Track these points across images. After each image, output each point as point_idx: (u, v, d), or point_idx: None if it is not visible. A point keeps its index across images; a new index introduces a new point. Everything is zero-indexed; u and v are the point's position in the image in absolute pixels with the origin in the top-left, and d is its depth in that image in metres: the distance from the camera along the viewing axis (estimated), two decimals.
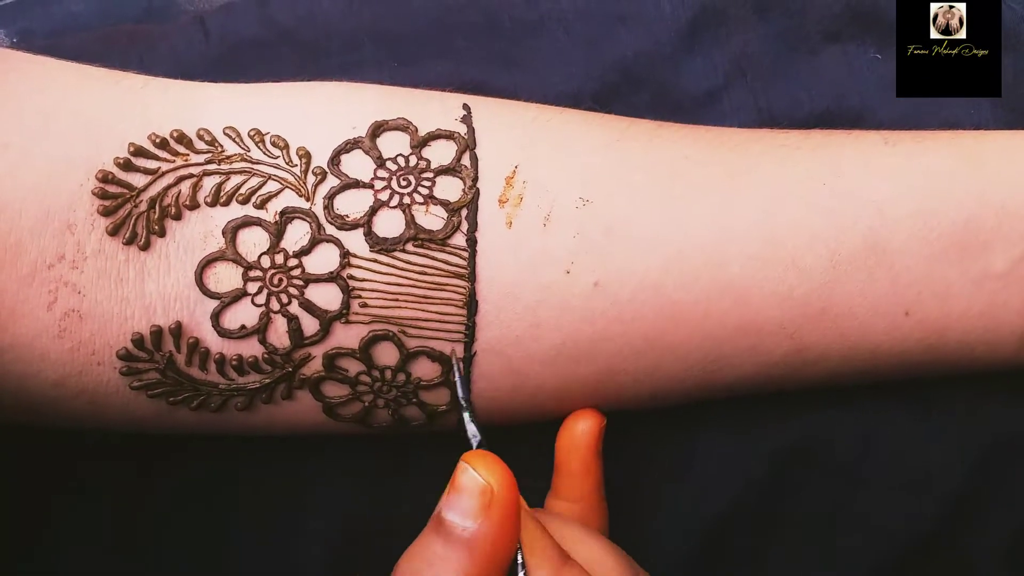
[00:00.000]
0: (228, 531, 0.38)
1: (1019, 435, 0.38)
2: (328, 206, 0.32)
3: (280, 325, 0.32)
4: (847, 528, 0.38)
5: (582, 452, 0.35)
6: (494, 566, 0.29)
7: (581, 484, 0.35)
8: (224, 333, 0.32)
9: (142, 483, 0.38)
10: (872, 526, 0.38)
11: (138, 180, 0.32)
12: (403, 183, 0.33)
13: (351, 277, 0.32)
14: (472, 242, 0.32)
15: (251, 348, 0.32)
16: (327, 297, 0.32)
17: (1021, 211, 0.34)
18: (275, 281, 0.32)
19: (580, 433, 0.35)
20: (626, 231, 0.33)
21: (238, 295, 0.32)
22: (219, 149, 0.33)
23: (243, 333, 0.32)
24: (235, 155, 0.33)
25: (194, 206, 0.32)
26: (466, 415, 0.32)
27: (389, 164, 0.33)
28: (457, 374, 0.33)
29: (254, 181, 0.32)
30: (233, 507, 0.38)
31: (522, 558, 0.29)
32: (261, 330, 0.32)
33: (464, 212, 0.33)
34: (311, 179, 0.32)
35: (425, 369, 0.33)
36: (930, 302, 0.35)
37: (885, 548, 0.38)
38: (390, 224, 0.32)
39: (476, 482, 0.29)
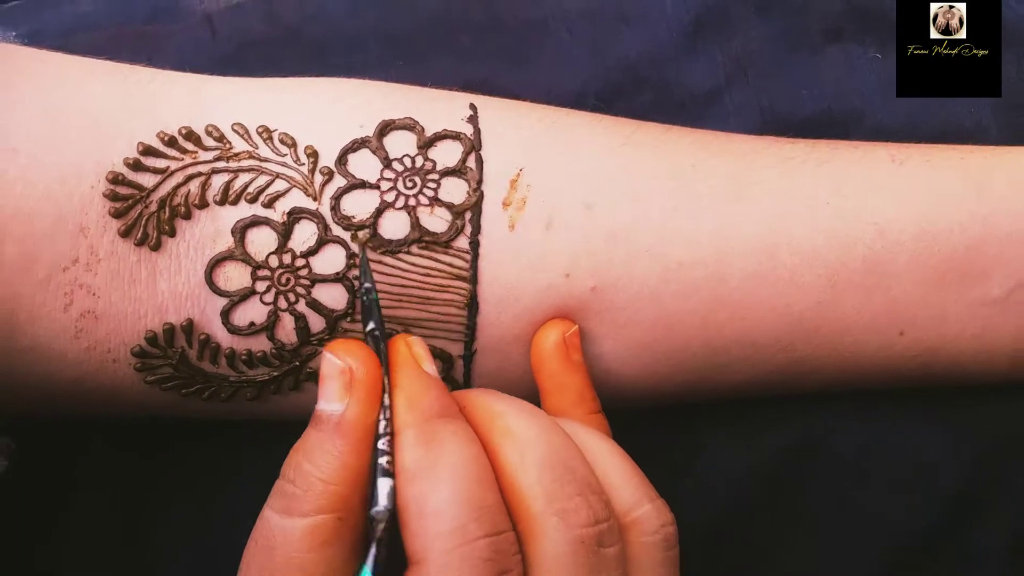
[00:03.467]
0: (232, 519, 0.39)
1: (1021, 434, 0.39)
2: (335, 207, 0.33)
3: (288, 323, 0.33)
4: (850, 525, 0.39)
5: (550, 366, 0.33)
6: (368, 444, 0.28)
7: (557, 400, 0.34)
8: (234, 330, 0.33)
9: (146, 474, 0.39)
10: (874, 523, 0.39)
11: (148, 180, 0.32)
12: (409, 184, 0.33)
13: (356, 278, 0.33)
14: (475, 245, 0.33)
15: (260, 344, 0.33)
16: (334, 296, 0.33)
17: (1022, 239, 0.35)
18: (283, 280, 0.33)
19: (545, 346, 0.33)
20: (627, 239, 0.34)
21: (247, 294, 0.33)
22: (227, 146, 0.33)
23: (252, 330, 0.33)
24: (243, 152, 0.33)
25: (203, 205, 0.33)
26: (365, 299, 0.31)
27: (396, 164, 0.33)
28: (363, 256, 0.32)
29: (262, 179, 0.33)
30: (237, 495, 0.39)
31: (385, 410, 0.29)
32: (269, 327, 0.33)
33: (468, 215, 0.33)
34: (318, 178, 0.33)
35: None
36: (925, 324, 0.35)
37: (887, 545, 0.38)
38: (395, 226, 0.33)
39: (335, 365, 0.29)
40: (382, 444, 0.28)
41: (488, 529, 0.27)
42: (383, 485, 0.28)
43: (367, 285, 0.31)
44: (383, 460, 0.28)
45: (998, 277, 0.35)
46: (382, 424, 0.29)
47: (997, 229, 0.35)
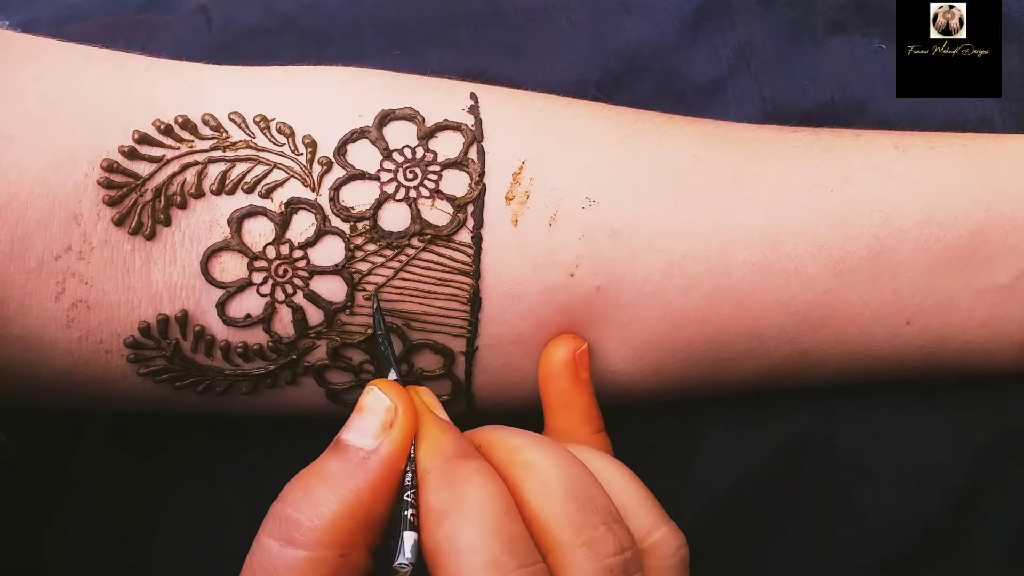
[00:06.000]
0: (230, 516, 0.39)
1: (1023, 429, 0.38)
2: (334, 198, 0.32)
3: (285, 315, 0.33)
4: (850, 520, 0.39)
5: (558, 383, 0.33)
6: (387, 485, 0.28)
7: (563, 417, 0.34)
8: (229, 322, 0.32)
9: (141, 471, 0.39)
10: (875, 519, 0.39)
11: (143, 168, 0.32)
12: (409, 176, 0.33)
13: (356, 271, 0.32)
14: (477, 239, 0.33)
15: (256, 336, 0.33)
16: (332, 289, 0.32)
17: None
18: (280, 272, 0.32)
19: (554, 363, 0.33)
20: (630, 234, 0.33)
21: (243, 285, 0.32)
22: (224, 135, 0.33)
23: (248, 322, 0.33)
24: (240, 142, 0.33)
25: (199, 195, 0.32)
26: (385, 348, 0.31)
27: (396, 155, 0.33)
28: (376, 306, 0.32)
29: (259, 169, 0.33)
30: (235, 491, 0.39)
31: (411, 462, 0.28)
32: (266, 319, 0.33)
33: (470, 208, 0.33)
34: (317, 169, 0.33)
35: (428, 360, 0.34)
36: (931, 312, 0.35)
37: (888, 541, 0.38)
38: (396, 218, 0.32)
39: (382, 403, 0.29)
40: (408, 496, 0.28)
41: (521, 560, 0.26)
42: (408, 538, 0.27)
43: (380, 333, 0.31)
44: (408, 512, 0.28)
45: (1004, 263, 0.35)
46: (408, 476, 0.28)
47: (1001, 215, 0.35)
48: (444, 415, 0.30)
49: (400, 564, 0.27)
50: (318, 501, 0.27)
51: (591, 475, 0.29)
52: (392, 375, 0.31)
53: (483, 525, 0.26)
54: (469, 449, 0.29)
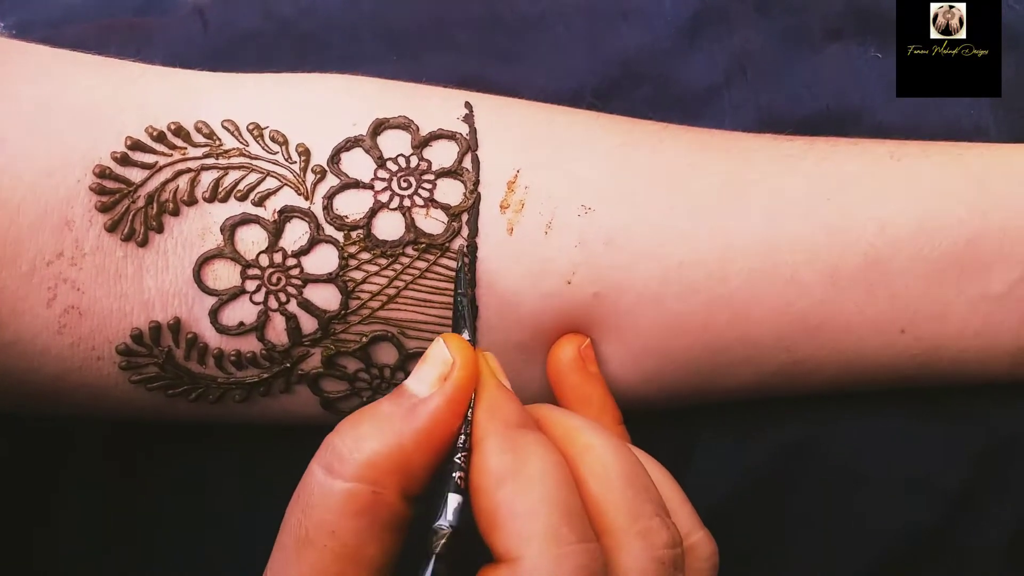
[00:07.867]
0: (222, 522, 0.39)
1: (1018, 434, 0.38)
2: (327, 206, 0.32)
3: (278, 323, 0.32)
4: (845, 526, 0.39)
5: (570, 380, 0.34)
6: (433, 438, 0.28)
7: (582, 413, 0.33)
8: (222, 329, 0.32)
9: (134, 476, 0.39)
10: (870, 524, 0.38)
11: (135, 175, 0.32)
12: (404, 185, 0.33)
13: (350, 279, 0.32)
14: (472, 248, 0.33)
15: (250, 344, 0.33)
16: (326, 297, 0.32)
17: (1022, 233, 0.34)
18: (273, 280, 0.32)
19: (562, 362, 0.34)
20: (627, 241, 0.33)
21: (236, 293, 0.32)
22: (217, 143, 0.32)
23: (241, 330, 0.32)
24: (233, 149, 0.32)
25: (192, 202, 0.32)
26: (462, 308, 0.31)
27: (390, 164, 0.33)
28: (459, 264, 0.32)
29: (252, 177, 0.32)
30: (227, 498, 0.39)
31: (467, 425, 0.28)
32: (259, 327, 0.32)
33: (465, 217, 0.33)
34: (310, 177, 0.32)
35: None
36: (926, 320, 0.35)
37: (883, 546, 0.38)
38: (390, 226, 0.32)
39: (442, 355, 0.29)
40: (458, 458, 0.28)
41: (580, 535, 0.26)
42: (452, 500, 0.27)
43: (460, 292, 0.31)
44: (456, 475, 0.27)
45: (998, 271, 0.35)
46: (461, 438, 0.28)
47: (995, 224, 0.34)
48: (507, 383, 0.30)
49: (440, 525, 0.27)
50: (362, 436, 0.27)
51: (644, 468, 0.29)
52: (465, 335, 0.30)
53: (544, 494, 0.26)
54: (530, 420, 0.29)
